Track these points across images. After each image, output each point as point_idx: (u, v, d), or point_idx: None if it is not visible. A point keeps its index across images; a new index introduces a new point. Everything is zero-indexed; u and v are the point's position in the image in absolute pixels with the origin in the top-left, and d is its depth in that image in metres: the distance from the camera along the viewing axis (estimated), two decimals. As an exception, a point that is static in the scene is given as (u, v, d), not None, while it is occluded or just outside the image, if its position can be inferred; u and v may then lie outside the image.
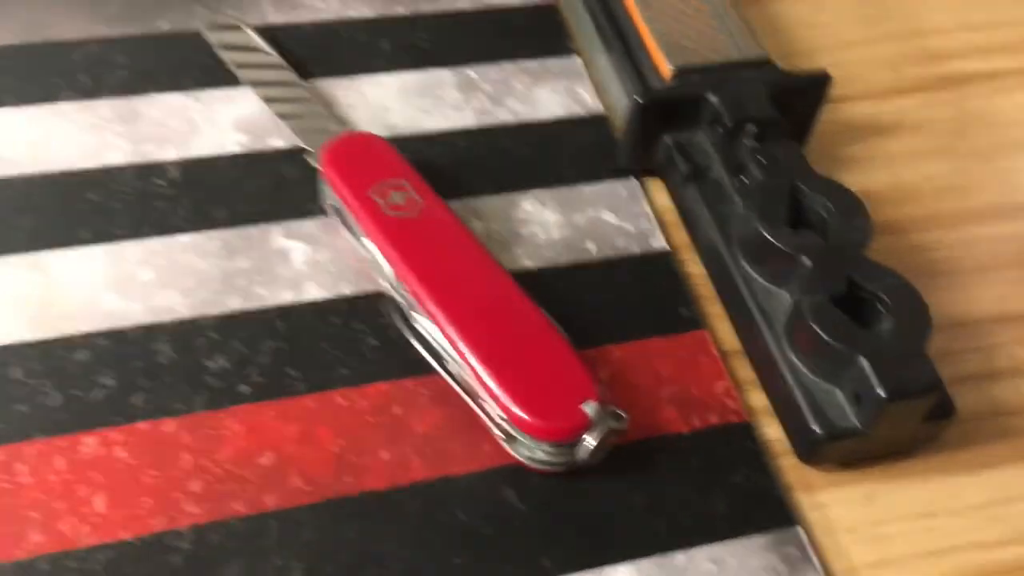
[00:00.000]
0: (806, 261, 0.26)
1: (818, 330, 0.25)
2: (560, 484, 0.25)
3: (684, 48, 0.31)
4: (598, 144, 0.32)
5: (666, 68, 0.30)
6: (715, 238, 0.29)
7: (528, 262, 0.29)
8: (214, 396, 0.25)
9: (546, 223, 0.30)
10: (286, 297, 0.27)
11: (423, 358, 0.26)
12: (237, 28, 0.33)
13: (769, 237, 0.27)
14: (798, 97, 0.31)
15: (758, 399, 0.27)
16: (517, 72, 0.34)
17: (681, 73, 0.30)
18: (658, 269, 0.30)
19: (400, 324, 0.27)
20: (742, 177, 0.29)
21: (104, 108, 0.31)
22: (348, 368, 0.26)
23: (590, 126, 0.33)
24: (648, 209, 0.31)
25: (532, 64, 0.34)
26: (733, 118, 0.29)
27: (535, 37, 0.35)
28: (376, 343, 0.27)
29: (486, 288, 0.26)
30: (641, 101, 0.29)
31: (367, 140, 0.29)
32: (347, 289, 0.28)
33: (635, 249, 0.30)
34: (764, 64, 0.31)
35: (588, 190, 0.31)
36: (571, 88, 0.34)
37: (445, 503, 0.24)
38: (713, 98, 0.30)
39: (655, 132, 0.31)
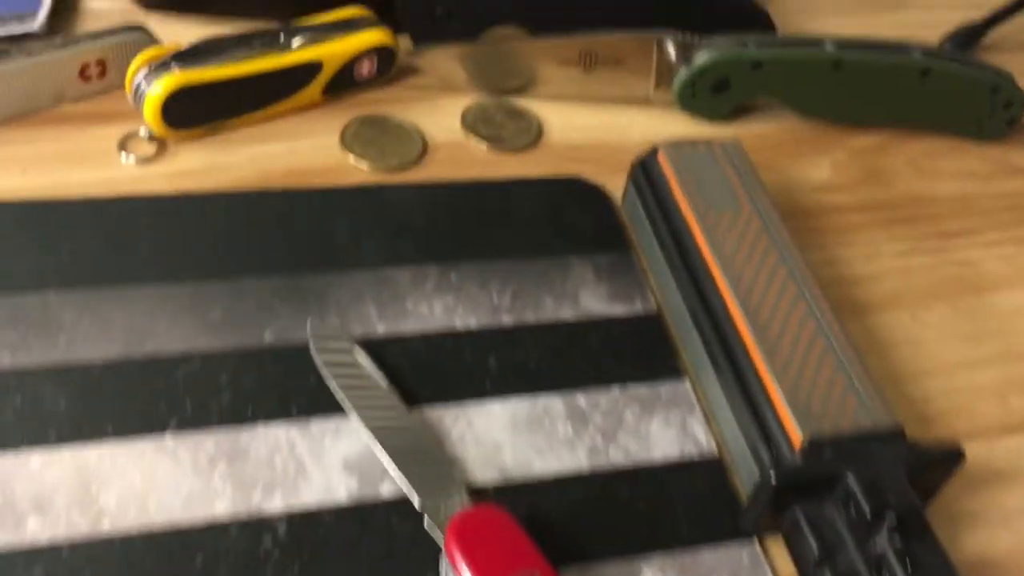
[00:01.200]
0: None
1: None
2: None
3: (815, 414, 0.30)
4: (715, 492, 0.31)
5: (797, 436, 0.29)
6: (851, 635, 0.27)
7: (652, 649, 0.28)
8: None
9: (668, 599, 0.29)
10: None
11: None
12: (346, 350, 0.32)
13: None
14: (929, 470, 0.30)
15: None
16: (627, 400, 0.33)
17: (813, 443, 0.29)
18: (787, 661, 0.28)
19: None
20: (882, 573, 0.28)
21: (209, 442, 0.29)
22: None
23: (705, 470, 0.32)
24: (772, 582, 0.29)
25: (642, 390, 0.33)
26: (872, 506, 0.28)
27: (641, 355, 0.34)
28: None
29: None
30: (775, 481, 0.28)
31: (496, 519, 0.27)
32: None
33: (761, 632, 0.28)
34: (897, 436, 0.30)
35: (709, 556, 0.30)
36: (683, 420, 0.33)
37: None
38: (852, 481, 0.28)
39: (783, 502, 0.29)
